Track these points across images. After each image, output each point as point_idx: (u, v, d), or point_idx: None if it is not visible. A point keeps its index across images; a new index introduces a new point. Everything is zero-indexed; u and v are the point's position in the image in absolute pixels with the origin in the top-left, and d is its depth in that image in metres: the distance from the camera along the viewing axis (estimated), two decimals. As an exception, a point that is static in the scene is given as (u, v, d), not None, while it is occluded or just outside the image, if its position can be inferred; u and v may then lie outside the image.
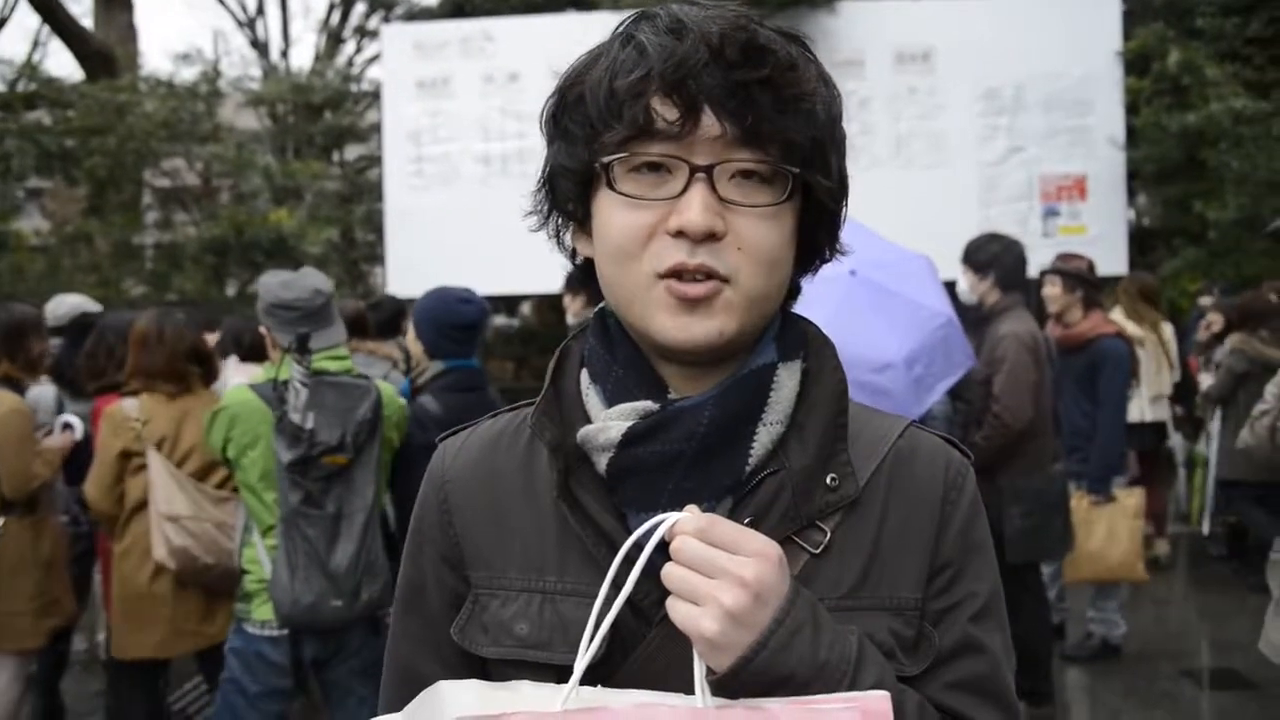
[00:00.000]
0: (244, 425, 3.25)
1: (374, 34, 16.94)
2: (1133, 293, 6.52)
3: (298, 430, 3.03)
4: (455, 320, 3.59)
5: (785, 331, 1.01)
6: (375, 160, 12.37)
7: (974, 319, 4.73)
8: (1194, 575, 6.65)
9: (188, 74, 14.18)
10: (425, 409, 3.52)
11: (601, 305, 1.03)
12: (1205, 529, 6.54)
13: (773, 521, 0.93)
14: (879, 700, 0.82)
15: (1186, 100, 7.79)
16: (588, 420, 0.98)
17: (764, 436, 0.95)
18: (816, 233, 1.00)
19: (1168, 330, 6.68)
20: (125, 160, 10.56)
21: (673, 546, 0.84)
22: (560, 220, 1.03)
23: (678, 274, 0.91)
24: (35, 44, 15.95)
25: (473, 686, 0.91)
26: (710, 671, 0.83)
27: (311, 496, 3.04)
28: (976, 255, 4.50)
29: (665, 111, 0.89)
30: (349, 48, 18.49)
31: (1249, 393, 5.83)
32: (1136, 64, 8.12)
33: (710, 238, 0.89)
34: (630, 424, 0.94)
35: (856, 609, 0.94)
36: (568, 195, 0.98)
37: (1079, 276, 4.94)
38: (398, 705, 1.02)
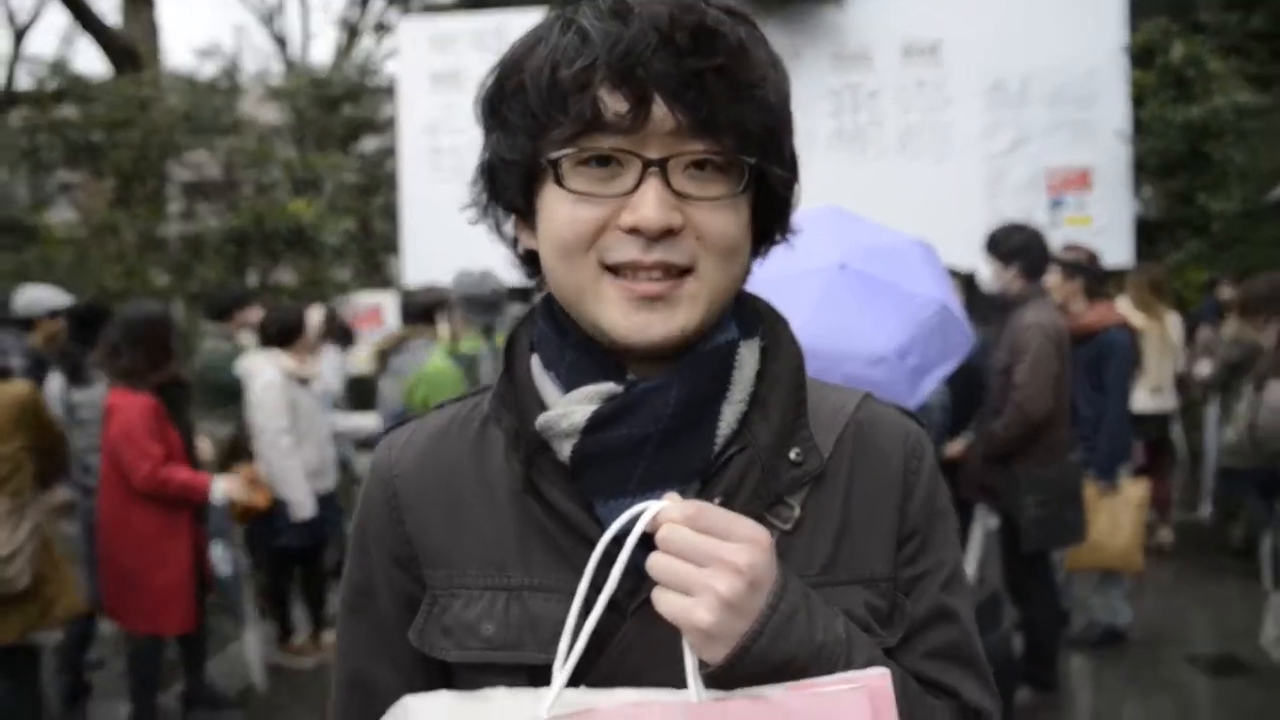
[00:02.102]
0: (441, 392, 3.91)
1: (391, 28, 17.05)
2: (1143, 284, 6.52)
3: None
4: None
5: (740, 309, 0.97)
6: (392, 152, 12.48)
7: (997, 307, 4.76)
8: (1198, 562, 6.67)
9: (209, 69, 14.38)
10: None
11: (547, 291, 0.98)
12: (1206, 513, 6.56)
13: (743, 500, 0.91)
14: (880, 678, 0.80)
15: (1190, 94, 7.78)
16: (543, 407, 0.93)
17: (729, 415, 0.92)
18: (769, 219, 0.96)
19: (1172, 321, 6.71)
20: (149, 153, 10.70)
21: (660, 535, 0.80)
22: (500, 212, 0.98)
23: (632, 269, 0.87)
24: (63, 41, 16.14)
25: (442, 699, 0.86)
26: (703, 664, 0.80)
27: None
28: (1002, 245, 4.48)
29: (614, 103, 0.83)
30: (367, 42, 18.62)
31: (1245, 382, 5.87)
32: (1141, 57, 8.11)
33: (667, 233, 0.85)
34: (595, 408, 0.90)
35: (832, 583, 0.92)
36: (509, 187, 0.93)
37: (1077, 265, 4.96)
38: (349, 714, 1.01)
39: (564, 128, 0.84)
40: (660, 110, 0.83)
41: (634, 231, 0.85)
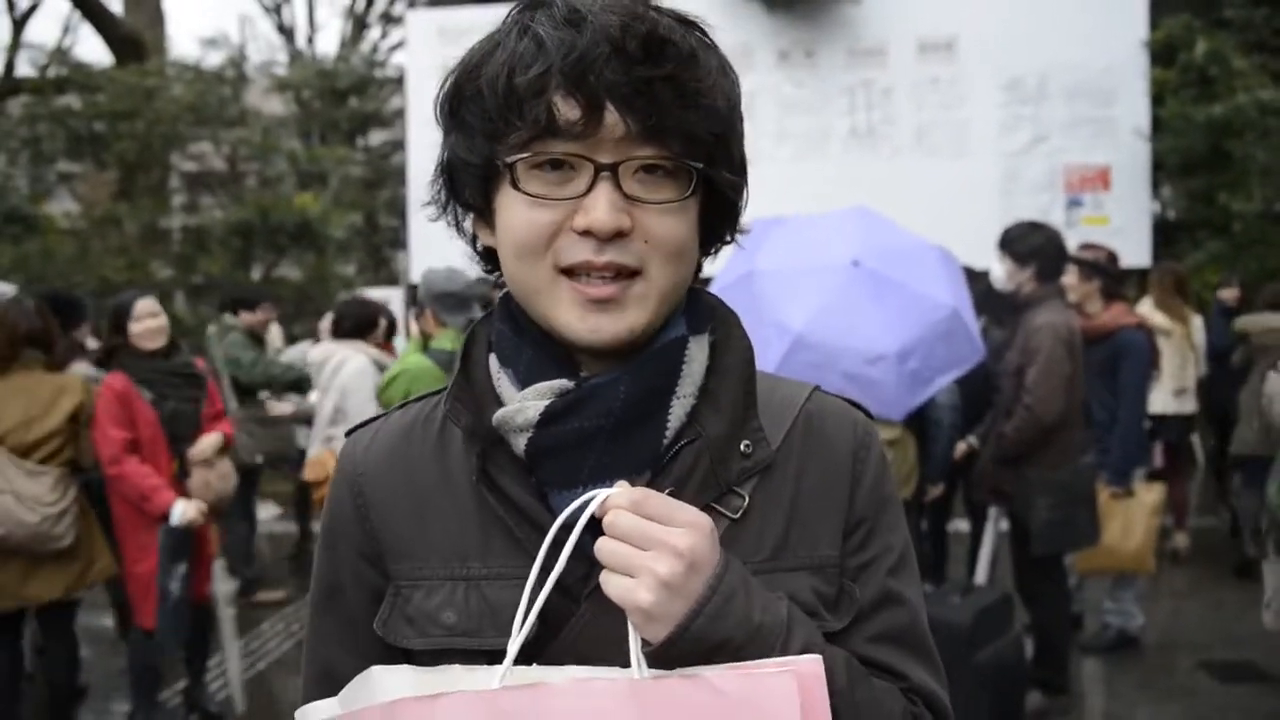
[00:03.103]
0: (421, 385, 3.92)
1: (399, 20, 17.01)
2: (1166, 284, 6.44)
3: None
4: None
5: (691, 306, 1.01)
6: (399, 146, 12.44)
7: (1009, 307, 4.71)
8: (1212, 568, 6.62)
9: (214, 59, 14.34)
10: None
11: (506, 290, 1.01)
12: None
13: (692, 490, 0.94)
14: (812, 663, 0.83)
15: (1213, 91, 7.68)
16: (500, 404, 0.97)
17: (678, 409, 0.95)
18: (718, 221, 1.00)
19: (1196, 323, 6.62)
20: (153, 144, 10.66)
21: (606, 520, 0.84)
22: (459, 209, 1.02)
23: (585, 271, 0.90)
24: (66, 29, 16.09)
25: (404, 671, 0.91)
26: (646, 643, 0.84)
27: None
28: (1018, 245, 4.43)
29: (567, 109, 0.87)
30: (374, 33, 18.59)
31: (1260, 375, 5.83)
32: (1162, 54, 8.01)
33: (617, 235, 0.89)
34: (547, 403, 0.93)
35: (779, 570, 0.95)
36: (467, 186, 0.97)
37: (1095, 265, 4.91)
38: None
39: (520, 132, 0.88)
40: (612, 117, 0.87)
41: (586, 233, 0.89)
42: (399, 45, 16.66)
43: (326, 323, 6.95)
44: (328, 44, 24.43)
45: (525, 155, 0.89)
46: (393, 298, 9.31)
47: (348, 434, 1.08)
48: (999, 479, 4.46)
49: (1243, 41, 7.98)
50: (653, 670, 0.84)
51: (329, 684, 1.02)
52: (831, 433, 1.03)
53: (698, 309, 1.01)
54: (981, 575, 4.82)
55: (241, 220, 10.57)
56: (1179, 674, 5.00)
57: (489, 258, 1.03)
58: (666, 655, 0.83)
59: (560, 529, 0.87)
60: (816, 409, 1.04)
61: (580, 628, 0.92)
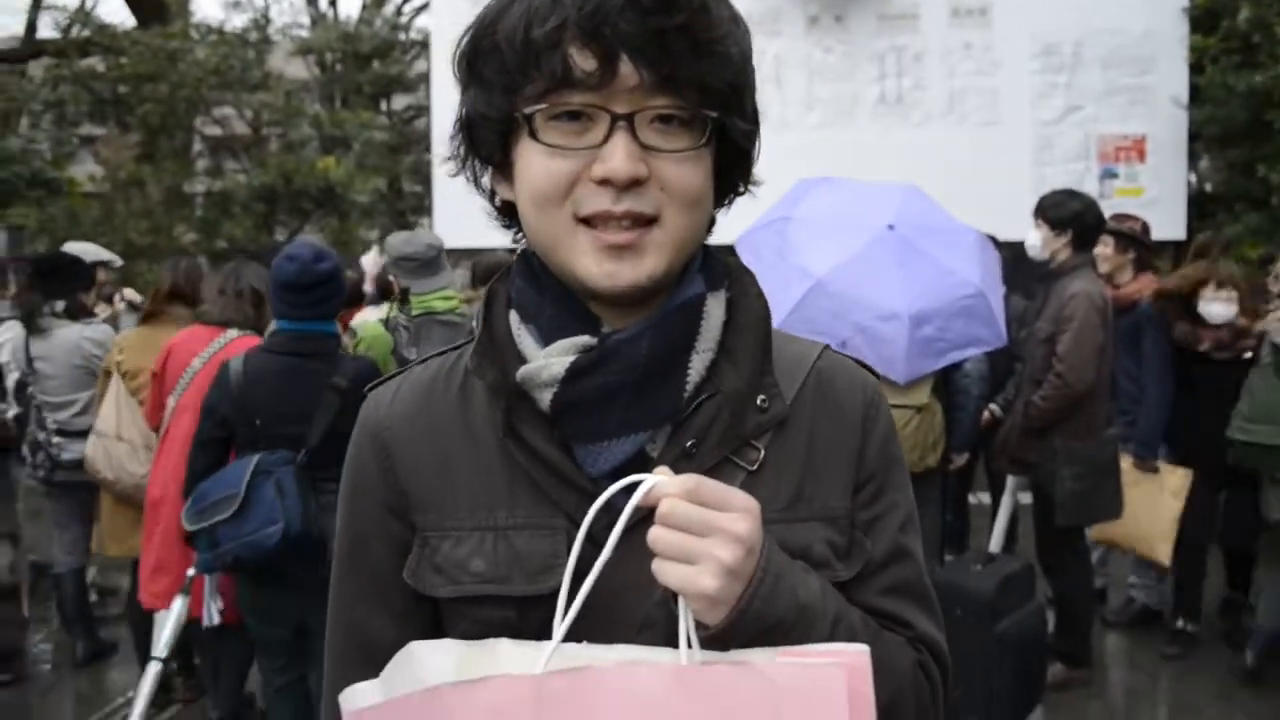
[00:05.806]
0: (376, 351, 4.13)
1: (423, -17, 16.90)
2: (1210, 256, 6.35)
3: (403, 359, 4.05)
4: (278, 278, 3.19)
5: (707, 263, 1.04)
6: (423, 110, 12.42)
7: (1038, 276, 4.65)
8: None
9: (238, 21, 14.30)
10: (225, 370, 3.18)
11: (524, 247, 1.04)
12: None
13: (712, 443, 0.98)
14: (858, 654, 0.85)
15: (1255, 60, 7.52)
16: (521, 360, 0.99)
17: (697, 364, 0.98)
18: (732, 170, 1.02)
19: None
20: (177, 107, 10.67)
21: (661, 511, 0.85)
22: (478, 164, 1.04)
23: (603, 219, 0.92)
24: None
25: (449, 647, 0.91)
26: (702, 626, 0.86)
27: None
28: (1056, 211, 4.39)
29: (583, 61, 0.89)
30: (398, -3, 18.47)
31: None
32: (1203, 20, 7.84)
33: (634, 183, 0.91)
34: (573, 359, 0.96)
35: (795, 520, 0.99)
36: (487, 141, 0.99)
37: (1132, 237, 4.85)
38: (349, 663, 1.04)
39: (536, 84, 0.90)
40: (626, 67, 0.88)
41: (604, 183, 0.91)
42: (423, 8, 16.55)
43: None
44: (351, 7, 24.32)
45: (542, 106, 0.91)
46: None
47: (367, 390, 1.10)
48: (1022, 448, 4.42)
49: (1288, 9, 7.79)
50: (702, 654, 0.85)
51: (357, 640, 1.05)
52: (842, 390, 1.06)
53: (714, 266, 1.04)
54: (995, 544, 4.78)
55: (264, 185, 10.61)
56: (1202, 648, 4.96)
57: (508, 212, 1.04)
58: (724, 638, 0.85)
59: (594, 487, 0.89)
60: (828, 366, 1.07)
61: (609, 573, 0.91)
